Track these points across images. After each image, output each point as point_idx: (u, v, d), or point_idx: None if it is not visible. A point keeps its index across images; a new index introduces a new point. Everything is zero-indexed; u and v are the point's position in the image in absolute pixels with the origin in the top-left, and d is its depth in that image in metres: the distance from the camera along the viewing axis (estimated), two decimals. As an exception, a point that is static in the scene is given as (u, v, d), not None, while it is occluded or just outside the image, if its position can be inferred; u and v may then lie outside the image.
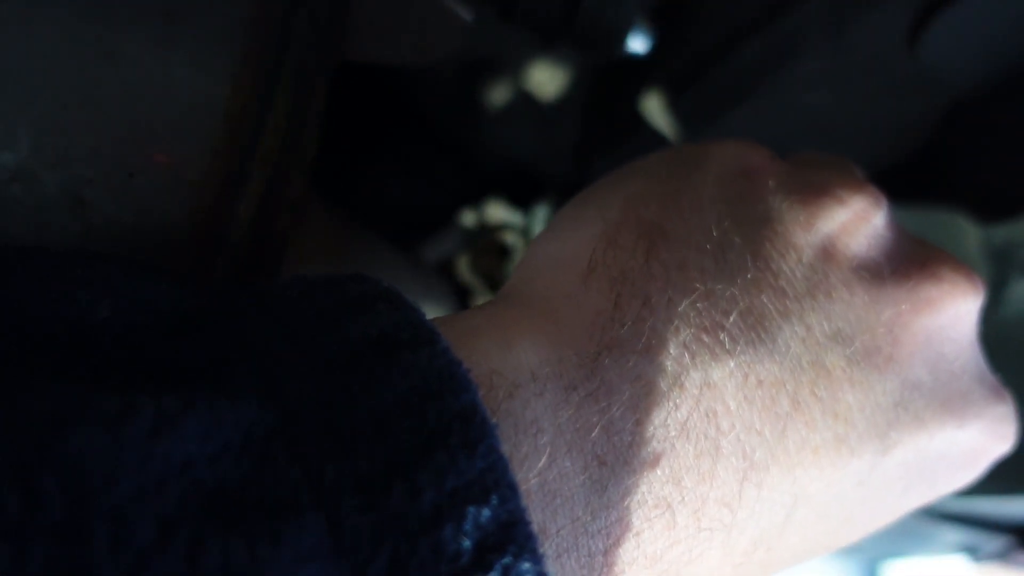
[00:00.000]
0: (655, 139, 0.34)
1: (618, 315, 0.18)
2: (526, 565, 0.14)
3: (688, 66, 0.33)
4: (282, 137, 0.20)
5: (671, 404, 0.17)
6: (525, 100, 0.38)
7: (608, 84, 0.36)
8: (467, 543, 0.13)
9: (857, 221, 0.20)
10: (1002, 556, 0.37)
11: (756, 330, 0.18)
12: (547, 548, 0.16)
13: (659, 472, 0.17)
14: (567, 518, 0.16)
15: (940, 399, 0.20)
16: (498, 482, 0.14)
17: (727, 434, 0.17)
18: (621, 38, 0.28)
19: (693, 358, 0.18)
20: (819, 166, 0.22)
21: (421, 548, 0.13)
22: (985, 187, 0.32)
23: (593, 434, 0.17)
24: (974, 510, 0.34)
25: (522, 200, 0.40)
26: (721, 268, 0.19)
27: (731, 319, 0.18)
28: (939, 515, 0.35)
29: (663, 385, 0.17)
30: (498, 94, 0.38)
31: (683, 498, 0.17)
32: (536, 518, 0.16)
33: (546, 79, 0.36)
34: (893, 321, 0.20)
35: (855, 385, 0.19)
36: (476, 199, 0.41)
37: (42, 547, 0.11)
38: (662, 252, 0.19)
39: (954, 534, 0.37)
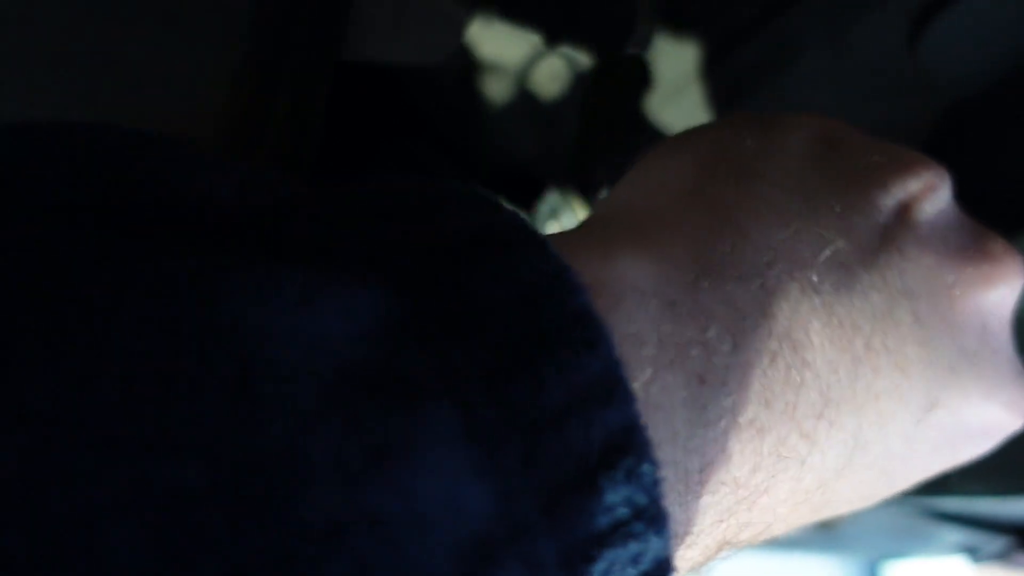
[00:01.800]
0: (656, 139, 0.34)
1: (717, 241, 0.18)
2: (647, 467, 0.14)
3: (689, 65, 0.33)
4: (282, 137, 0.21)
5: (764, 331, 0.18)
6: (525, 100, 0.38)
7: (609, 84, 0.36)
8: (594, 443, 0.13)
9: (928, 192, 0.21)
10: (1002, 556, 0.37)
11: (839, 273, 0.19)
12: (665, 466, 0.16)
13: (753, 395, 0.17)
14: (667, 432, 0.16)
15: (983, 370, 0.21)
16: (618, 385, 0.14)
17: (810, 367, 0.18)
18: (623, 38, 0.28)
19: (785, 290, 0.18)
20: (885, 144, 0.23)
21: (549, 442, 0.13)
22: (987, 208, 0.33)
23: (693, 351, 0.17)
24: (974, 510, 0.34)
25: (523, 200, 0.40)
26: (810, 211, 0.20)
27: (820, 258, 0.19)
28: (939, 515, 0.35)
29: (756, 312, 0.18)
30: (498, 94, 0.38)
31: (771, 424, 0.18)
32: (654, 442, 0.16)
33: (547, 79, 0.36)
34: (954, 287, 0.21)
35: (917, 341, 0.20)
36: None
37: (214, 403, 0.11)
38: (756, 187, 0.20)
39: (954, 534, 0.37)
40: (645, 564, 0.14)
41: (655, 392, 0.16)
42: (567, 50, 0.33)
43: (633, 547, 0.14)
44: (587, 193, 0.35)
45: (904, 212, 0.21)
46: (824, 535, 0.40)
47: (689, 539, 0.18)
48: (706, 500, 0.17)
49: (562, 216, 0.37)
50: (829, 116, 0.29)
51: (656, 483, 0.14)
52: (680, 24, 0.33)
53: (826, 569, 0.50)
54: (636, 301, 0.17)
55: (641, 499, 0.14)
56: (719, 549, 0.19)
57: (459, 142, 0.42)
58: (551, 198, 0.39)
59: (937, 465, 0.23)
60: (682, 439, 0.17)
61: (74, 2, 0.18)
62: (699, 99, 0.33)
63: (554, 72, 0.35)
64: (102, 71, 0.18)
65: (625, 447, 0.14)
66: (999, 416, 0.23)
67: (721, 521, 0.18)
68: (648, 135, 0.34)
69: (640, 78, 0.34)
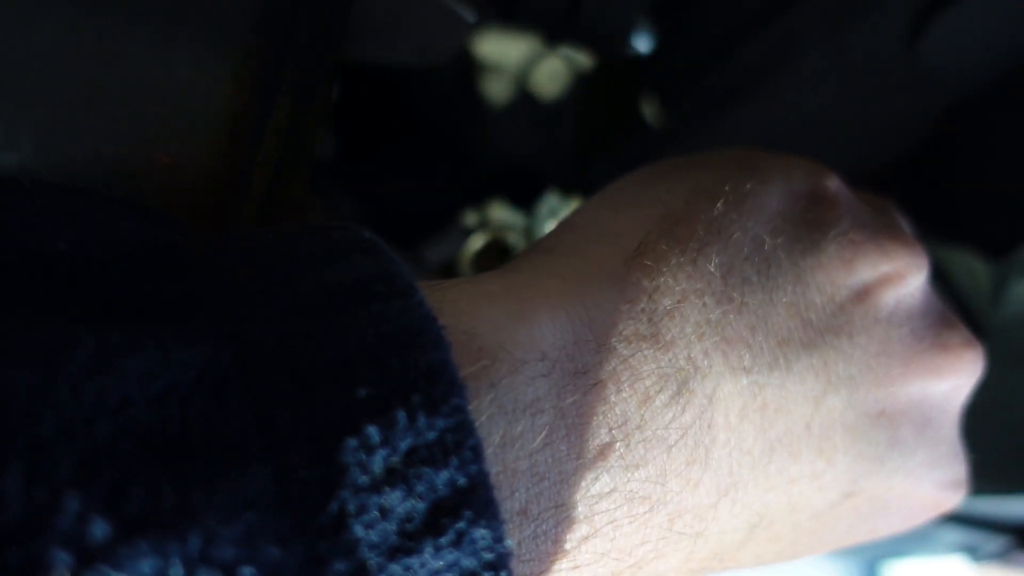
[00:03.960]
0: (656, 139, 0.34)
1: (649, 307, 0.18)
2: (482, 532, 0.13)
3: (689, 66, 0.33)
4: (283, 138, 0.21)
5: (678, 407, 0.17)
6: (526, 100, 0.38)
7: (609, 84, 0.36)
8: (420, 505, 0.13)
9: (896, 277, 0.20)
10: (1002, 556, 0.37)
11: (776, 353, 0.18)
12: (526, 530, 0.16)
13: (651, 471, 0.17)
14: (551, 502, 0.16)
15: (915, 462, 0.21)
16: (460, 445, 0.13)
17: (721, 448, 0.18)
18: (623, 38, 0.28)
19: (710, 367, 0.18)
20: (875, 208, 0.22)
21: (370, 507, 0.13)
22: (988, 224, 0.32)
23: (594, 423, 0.16)
24: (974, 510, 0.34)
25: (524, 200, 0.40)
26: (762, 283, 0.19)
27: (754, 335, 0.18)
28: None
29: (675, 387, 0.17)
30: (498, 94, 0.38)
31: (665, 500, 0.17)
32: (519, 498, 0.15)
33: (547, 79, 0.36)
34: (897, 377, 0.20)
35: (846, 430, 0.19)
36: (478, 199, 0.41)
37: None
38: (713, 255, 0.19)
39: (954, 534, 0.37)
40: None
41: (544, 461, 0.16)
42: (567, 50, 0.33)
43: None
44: (587, 193, 0.35)
45: (864, 295, 0.20)
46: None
47: None
48: (586, 571, 0.17)
49: (562, 216, 0.37)
50: (829, 116, 0.29)
51: (491, 547, 0.14)
52: (681, 24, 0.33)
53: (825, 569, 0.50)
54: (540, 369, 0.16)
55: (469, 563, 0.13)
56: None
57: (459, 142, 0.42)
58: (551, 198, 0.39)
59: (850, 539, 0.22)
60: (567, 509, 0.16)
61: (76, 2, 0.18)
62: (700, 99, 0.33)
63: (554, 72, 0.35)
64: (104, 72, 0.18)
65: (458, 509, 0.13)
66: (927, 500, 0.22)
67: None
68: (649, 135, 0.34)
69: (640, 78, 0.33)
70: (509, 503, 0.15)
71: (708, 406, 0.17)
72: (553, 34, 0.31)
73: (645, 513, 0.17)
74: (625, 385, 0.17)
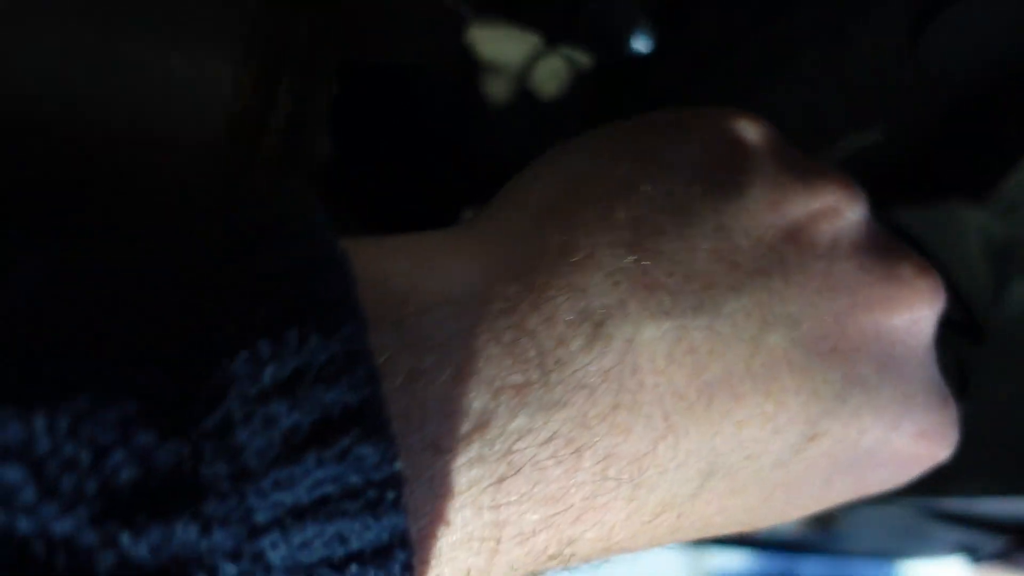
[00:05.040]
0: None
1: (561, 259, 0.18)
2: (369, 450, 0.14)
3: (689, 65, 0.33)
4: (283, 138, 0.21)
5: (596, 351, 0.17)
6: (526, 99, 0.38)
7: (609, 84, 0.36)
8: (306, 419, 0.13)
9: (828, 212, 0.20)
10: (1002, 556, 0.37)
11: (700, 296, 0.18)
12: (437, 464, 0.16)
13: (572, 412, 0.17)
14: (464, 438, 0.16)
15: (881, 399, 0.20)
16: (352, 368, 0.14)
17: (649, 391, 0.17)
18: (624, 38, 0.28)
19: (626, 312, 0.18)
20: (800, 155, 0.22)
21: (256, 415, 0.13)
22: (968, 166, 0.32)
23: (507, 363, 0.17)
24: (974, 510, 0.34)
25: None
26: (679, 232, 0.19)
27: (674, 280, 0.18)
28: (939, 515, 0.35)
29: (590, 331, 0.17)
30: (498, 94, 0.38)
31: (592, 443, 0.17)
32: (429, 432, 0.16)
33: (547, 78, 0.36)
34: (845, 312, 0.20)
35: (793, 368, 0.19)
36: (478, 199, 0.41)
37: None
38: (621, 208, 0.19)
39: (954, 534, 0.37)
40: (357, 544, 0.14)
41: (454, 396, 0.16)
42: (567, 50, 0.33)
43: (341, 525, 0.14)
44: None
45: (796, 233, 0.20)
46: (823, 534, 0.40)
47: (490, 547, 0.17)
48: (510, 510, 0.17)
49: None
50: (829, 115, 0.28)
51: (379, 466, 0.14)
52: (681, 24, 0.33)
53: (825, 569, 0.50)
54: (450, 311, 0.17)
55: (354, 480, 0.14)
56: (548, 560, 0.18)
57: (459, 142, 0.42)
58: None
59: (837, 494, 0.22)
60: (484, 444, 0.16)
61: (76, 3, 0.18)
62: (700, 98, 0.33)
63: (554, 72, 0.35)
64: (103, 72, 0.18)
65: (345, 427, 0.14)
66: (911, 447, 0.21)
67: (536, 533, 0.17)
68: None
69: (640, 78, 0.34)
70: (418, 436, 0.16)
71: (629, 350, 0.17)
72: (553, 34, 0.31)
73: (571, 455, 0.17)
74: (539, 330, 0.17)
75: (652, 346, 0.18)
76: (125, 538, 0.12)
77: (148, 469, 0.12)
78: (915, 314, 0.21)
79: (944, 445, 0.22)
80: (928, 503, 0.33)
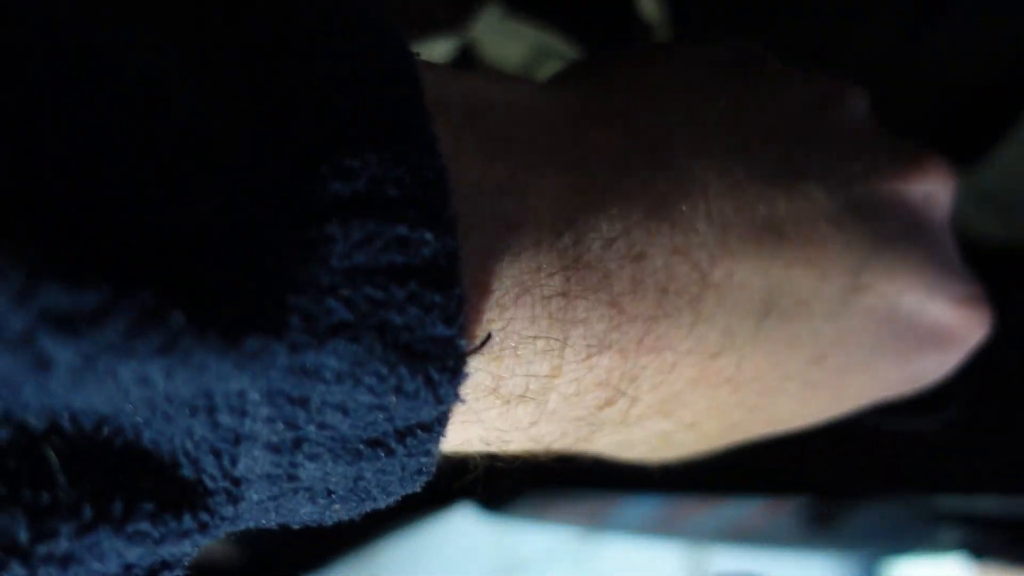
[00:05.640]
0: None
1: (634, 93, 0.19)
2: (428, 158, 0.13)
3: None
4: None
5: (654, 169, 0.18)
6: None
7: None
8: (370, 115, 0.13)
9: (841, 96, 0.22)
10: (1003, 555, 0.37)
11: (743, 140, 0.19)
12: (509, 239, 0.15)
13: (633, 219, 0.17)
14: (534, 218, 0.16)
15: (912, 259, 0.21)
16: (409, 83, 0.14)
17: (702, 219, 0.18)
18: (624, 39, 0.28)
19: (685, 142, 0.19)
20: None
21: (322, 102, 0.13)
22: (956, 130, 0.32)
23: (573, 165, 0.17)
24: (975, 509, 0.34)
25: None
26: (718, 82, 0.20)
27: (717, 118, 0.19)
28: (939, 514, 0.35)
29: (650, 153, 0.18)
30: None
31: (652, 253, 0.17)
32: (500, 205, 0.15)
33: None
34: (868, 174, 0.21)
35: (828, 218, 0.20)
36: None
37: None
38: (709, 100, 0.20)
39: (954, 534, 0.37)
40: (416, 257, 0.13)
41: (521, 181, 0.16)
42: (568, 51, 0.33)
43: (401, 229, 0.13)
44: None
45: (824, 105, 0.21)
46: (823, 534, 0.40)
47: (555, 349, 0.16)
48: (577, 308, 0.16)
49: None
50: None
51: (436, 182, 0.13)
52: (679, 24, 0.33)
53: (825, 569, 0.50)
54: (519, 115, 0.17)
55: (412, 184, 0.13)
56: (608, 400, 0.17)
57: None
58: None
59: (887, 372, 0.22)
60: (547, 231, 0.16)
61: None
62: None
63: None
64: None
65: (406, 137, 0.13)
66: (949, 319, 0.22)
67: (600, 349, 0.17)
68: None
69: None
70: (489, 209, 0.15)
71: (685, 178, 0.18)
72: (553, 34, 0.31)
73: (634, 259, 0.17)
74: (603, 141, 0.18)
75: (703, 177, 0.18)
76: None
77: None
78: (929, 187, 0.22)
79: (981, 319, 0.22)
80: (928, 502, 0.34)
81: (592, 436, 0.19)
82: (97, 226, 0.10)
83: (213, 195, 0.11)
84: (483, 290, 0.15)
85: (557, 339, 0.16)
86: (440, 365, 0.13)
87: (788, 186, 0.19)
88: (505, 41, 0.34)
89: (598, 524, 0.44)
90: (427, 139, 0.13)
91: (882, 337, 0.21)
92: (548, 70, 0.37)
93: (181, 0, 0.13)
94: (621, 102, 0.19)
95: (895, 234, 0.21)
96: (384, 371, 0.13)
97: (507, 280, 0.15)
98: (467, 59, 0.36)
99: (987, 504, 0.33)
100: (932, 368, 0.23)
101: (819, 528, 0.39)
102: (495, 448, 0.18)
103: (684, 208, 0.18)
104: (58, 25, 0.11)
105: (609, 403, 0.18)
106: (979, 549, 0.38)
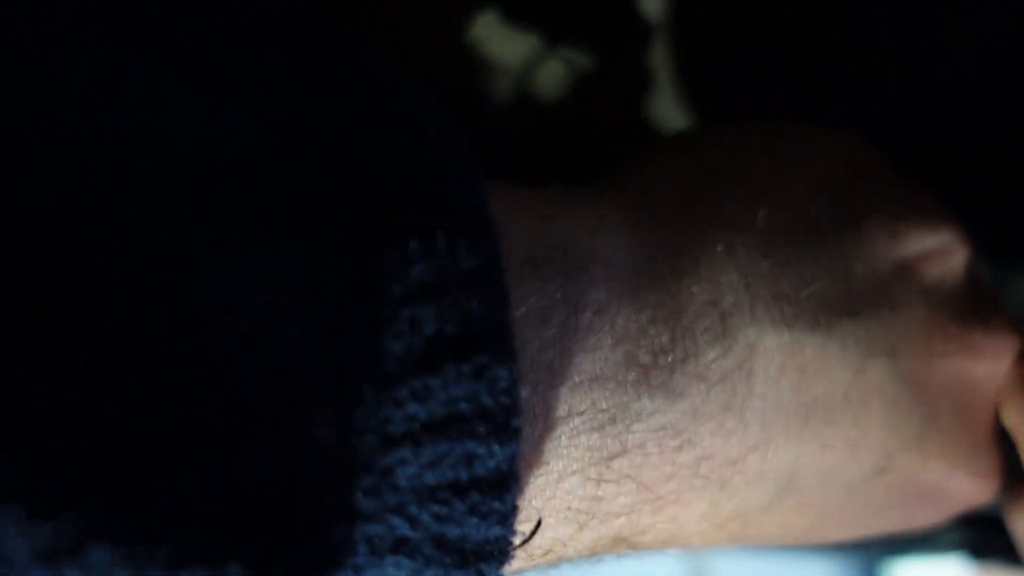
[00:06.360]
0: (659, 141, 0.34)
1: (701, 249, 0.18)
2: (502, 372, 0.14)
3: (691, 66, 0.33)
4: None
5: (721, 349, 0.18)
6: (526, 102, 0.38)
7: (610, 86, 0.36)
8: (447, 327, 0.13)
9: (939, 253, 0.21)
10: (1003, 556, 0.37)
11: (819, 316, 0.19)
12: (568, 425, 0.16)
13: (688, 406, 0.17)
14: (590, 404, 0.16)
15: (953, 444, 0.21)
16: (497, 280, 0.14)
17: (758, 400, 0.18)
18: (624, 40, 0.28)
19: (754, 315, 0.18)
20: (915, 190, 0.22)
21: (399, 319, 0.13)
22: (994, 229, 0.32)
23: (645, 344, 0.17)
24: (975, 510, 0.34)
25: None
26: (807, 246, 0.19)
27: (803, 295, 0.18)
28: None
29: (720, 329, 0.18)
30: (498, 96, 0.38)
31: (696, 440, 0.17)
32: (566, 392, 0.16)
33: (548, 81, 0.36)
34: (938, 354, 0.20)
35: (884, 401, 0.19)
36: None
37: None
38: (762, 208, 0.19)
39: (954, 534, 0.37)
40: (481, 469, 0.14)
41: (594, 361, 0.16)
42: (568, 52, 0.33)
43: (470, 446, 0.13)
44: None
45: (908, 268, 0.20)
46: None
47: (581, 520, 0.17)
48: (608, 488, 0.17)
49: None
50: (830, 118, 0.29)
51: (509, 391, 0.14)
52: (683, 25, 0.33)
53: (825, 569, 0.50)
54: (604, 274, 0.17)
55: (487, 400, 0.13)
56: (615, 544, 0.19)
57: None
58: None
59: (883, 524, 0.22)
60: (605, 417, 0.17)
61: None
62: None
63: (555, 74, 0.36)
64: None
65: (484, 345, 0.13)
66: (963, 487, 0.22)
67: (620, 515, 0.18)
68: (650, 138, 0.34)
69: (642, 81, 0.34)
70: (556, 392, 0.16)
71: (750, 354, 0.18)
72: (554, 35, 0.31)
73: (675, 448, 0.17)
74: (675, 316, 0.17)
75: (769, 355, 0.18)
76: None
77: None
78: (997, 365, 0.21)
79: (991, 488, 0.23)
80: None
81: (593, 557, 0.20)
82: (192, 507, 0.11)
83: (295, 451, 0.12)
84: (531, 474, 0.16)
85: (586, 513, 0.17)
86: (490, 560, 0.14)
87: (856, 366, 0.19)
88: (505, 41, 0.34)
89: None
90: (507, 346, 0.14)
91: (891, 504, 0.21)
92: (548, 70, 0.37)
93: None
94: (707, 256, 0.18)
95: (944, 416, 0.20)
96: (440, 574, 0.14)
97: (555, 465, 0.16)
98: (467, 60, 0.36)
99: (987, 504, 0.33)
100: (929, 519, 0.23)
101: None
102: None
103: (740, 392, 0.18)
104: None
105: (615, 545, 0.19)
106: (979, 549, 0.38)
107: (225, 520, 0.11)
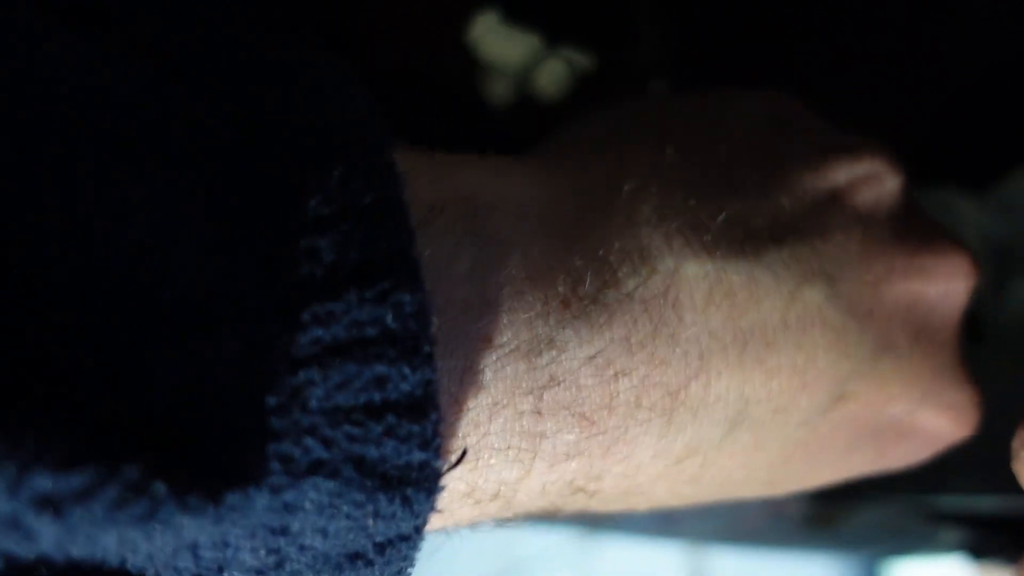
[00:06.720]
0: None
1: (614, 186, 0.19)
2: (406, 296, 0.14)
3: (691, 66, 0.33)
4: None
5: (640, 278, 0.18)
6: (526, 102, 0.38)
7: (610, 87, 0.36)
8: (346, 256, 0.13)
9: (870, 180, 0.20)
10: (1003, 556, 0.37)
11: (743, 244, 0.19)
12: (488, 358, 0.16)
13: (613, 334, 0.17)
14: (515, 339, 0.16)
15: (911, 368, 0.20)
16: (395, 214, 0.14)
17: (688, 328, 0.18)
18: (624, 40, 0.28)
19: (671, 246, 0.18)
20: (842, 130, 0.22)
21: (298, 248, 0.13)
22: (969, 155, 0.32)
23: (560, 276, 0.17)
24: (975, 508, 0.34)
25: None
26: (726, 182, 0.19)
27: (718, 224, 0.18)
28: (939, 515, 0.35)
29: (637, 259, 0.18)
30: (498, 96, 0.38)
31: (630, 369, 0.17)
32: (485, 323, 0.16)
33: (548, 81, 0.36)
34: (882, 278, 0.20)
35: (827, 325, 0.19)
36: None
37: None
38: (671, 148, 0.19)
39: (954, 534, 0.37)
40: (394, 393, 0.14)
41: (509, 294, 0.16)
42: (568, 52, 0.33)
43: (379, 369, 0.13)
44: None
45: (838, 196, 0.20)
46: (823, 534, 0.40)
47: (525, 460, 0.17)
48: (548, 423, 0.17)
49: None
50: (828, 113, 0.29)
51: (416, 317, 0.14)
52: (682, 25, 0.33)
53: (825, 569, 0.50)
54: (514, 213, 0.17)
55: (393, 325, 0.14)
56: (572, 493, 0.19)
57: (459, 144, 0.42)
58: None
59: (857, 464, 0.22)
60: (531, 348, 0.16)
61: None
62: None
63: (555, 74, 0.36)
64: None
65: (386, 271, 0.14)
66: (934, 423, 0.21)
67: (569, 457, 0.17)
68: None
69: (642, 81, 0.34)
70: (475, 326, 0.16)
71: (672, 283, 0.18)
72: (554, 35, 0.31)
73: (610, 378, 0.17)
74: (591, 251, 0.17)
75: (693, 283, 0.18)
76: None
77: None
78: (950, 286, 0.21)
79: (965, 423, 0.22)
80: (927, 501, 0.34)
81: (556, 511, 0.20)
82: (87, 410, 0.11)
83: (197, 363, 0.12)
84: (460, 408, 0.16)
85: (528, 450, 0.17)
86: (417, 486, 0.14)
87: (789, 291, 0.19)
88: (505, 41, 0.34)
89: (598, 524, 0.44)
90: (411, 272, 0.14)
91: (859, 439, 0.21)
92: (549, 70, 0.37)
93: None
94: (617, 193, 0.18)
95: (898, 341, 0.20)
96: (361, 498, 0.13)
97: (483, 398, 0.16)
98: (467, 61, 0.36)
99: (987, 504, 0.33)
100: (905, 458, 0.23)
101: (819, 528, 0.39)
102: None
103: (669, 321, 0.18)
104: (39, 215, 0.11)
105: (572, 494, 0.19)
106: (979, 549, 0.38)
107: (123, 422, 0.11)
